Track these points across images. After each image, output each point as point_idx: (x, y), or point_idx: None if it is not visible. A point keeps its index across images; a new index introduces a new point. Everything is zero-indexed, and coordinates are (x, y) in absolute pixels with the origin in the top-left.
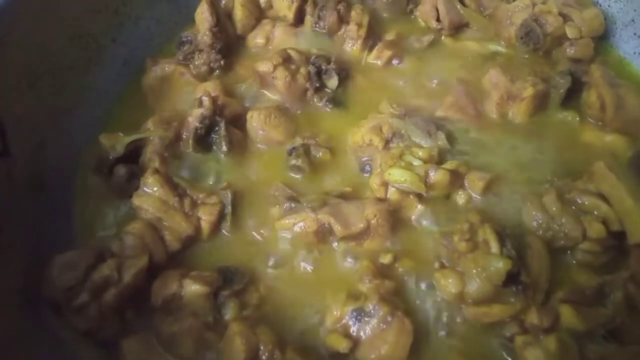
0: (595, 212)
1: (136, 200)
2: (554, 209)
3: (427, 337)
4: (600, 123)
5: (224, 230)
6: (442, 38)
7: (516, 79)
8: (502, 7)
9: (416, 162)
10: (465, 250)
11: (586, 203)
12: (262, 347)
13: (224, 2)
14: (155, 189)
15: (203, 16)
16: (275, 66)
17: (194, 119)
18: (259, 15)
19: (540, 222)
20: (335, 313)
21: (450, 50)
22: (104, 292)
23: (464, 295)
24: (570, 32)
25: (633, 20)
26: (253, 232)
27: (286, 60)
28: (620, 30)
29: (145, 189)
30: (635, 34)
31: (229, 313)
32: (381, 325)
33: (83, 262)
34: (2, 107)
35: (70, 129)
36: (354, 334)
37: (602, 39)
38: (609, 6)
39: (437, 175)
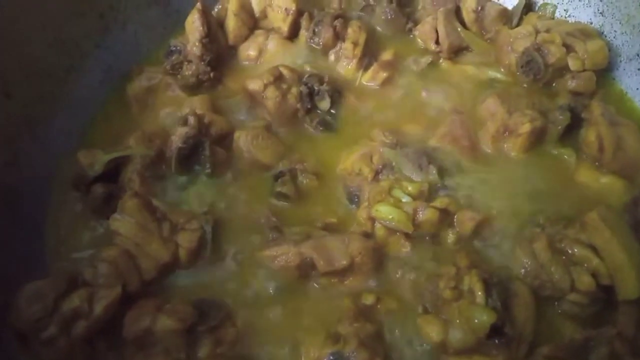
0: (586, 265)
1: (113, 224)
2: (544, 257)
3: None
4: (597, 163)
5: (203, 258)
6: (440, 61)
7: (514, 110)
8: (504, 32)
9: (405, 199)
10: (450, 298)
11: (577, 254)
12: None
13: (216, 10)
14: (133, 213)
15: (194, 26)
16: (266, 85)
17: (178, 138)
18: (253, 25)
19: (528, 269)
20: (312, 355)
21: (448, 75)
22: (74, 324)
23: (445, 344)
24: (572, 64)
25: (638, 55)
26: (233, 262)
27: (277, 78)
28: (625, 64)
29: (123, 213)
30: (639, 69)
31: (202, 350)
32: None
33: (53, 291)
34: None
35: (48, 140)
36: None
37: (604, 71)
38: (614, 37)
39: (426, 214)
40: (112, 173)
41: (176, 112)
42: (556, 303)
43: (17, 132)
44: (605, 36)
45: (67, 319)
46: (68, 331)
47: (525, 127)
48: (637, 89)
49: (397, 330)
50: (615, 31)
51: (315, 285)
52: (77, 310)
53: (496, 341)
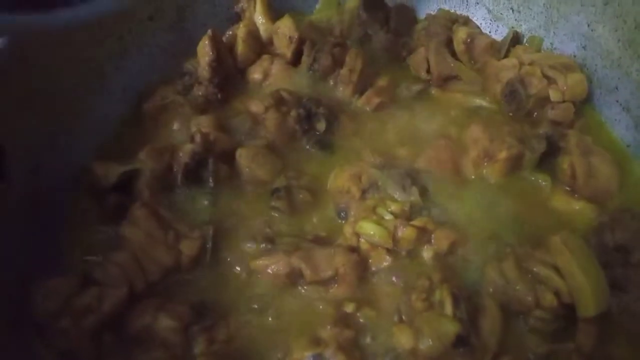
0: (549, 284)
1: (123, 231)
2: (511, 275)
3: None
4: (570, 189)
5: (203, 264)
6: (431, 89)
7: (495, 137)
8: (492, 64)
9: (387, 217)
10: (422, 309)
11: (541, 274)
12: None
13: (227, 35)
14: (142, 222)
15: (204, 50)
16: (267, 107)
17: (184, 154)
18: (259, 50)
19: (497, 285)
20: (295, 356)
21: (437, 101)
22: (84, 318)
23: (416, 351)
24: (553, 95)
25: (617, 88)
26: (230, 269)
27: (278, 101)
28: (604, 96)
29: (132, 220)
30: (617, 101)
31: (197, 347)
32: None
33: (67, 288)
34: (3, 132)
35: (67, 152)
36: None
37: (585, 102)
38: (595, 70)
39: (404, 232)
40: (125, 184)
41: (185, 130)
42: (521, 317)
43: (40, 144)
44: (587, 69)
45: (79, 313)
46: (79, 324)
47: (503, 154)
48: (615, 119)
49: (373, 337)
50: (596, 65)
51: (303, 292)
52: (88, 306)
53: (461, 350)
